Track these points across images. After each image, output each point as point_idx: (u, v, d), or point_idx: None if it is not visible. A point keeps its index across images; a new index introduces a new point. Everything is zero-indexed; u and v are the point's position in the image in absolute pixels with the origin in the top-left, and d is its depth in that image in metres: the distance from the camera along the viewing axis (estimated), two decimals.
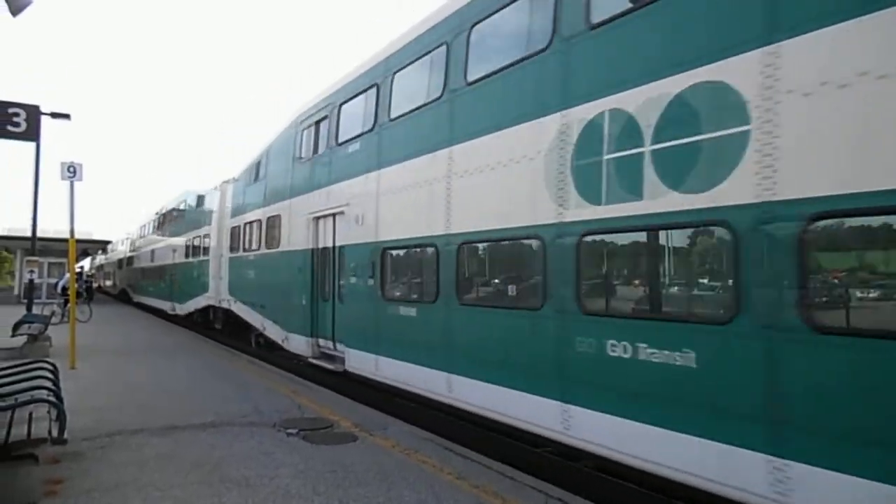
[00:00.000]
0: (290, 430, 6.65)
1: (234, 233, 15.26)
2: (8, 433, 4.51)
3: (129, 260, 37.92)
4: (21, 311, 16.59)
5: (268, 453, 5.80)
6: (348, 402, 8.55)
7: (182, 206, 23.67)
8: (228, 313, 16.01)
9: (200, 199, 20.98)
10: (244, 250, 14.33)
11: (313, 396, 8.77)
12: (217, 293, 16.83)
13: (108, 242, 46.81)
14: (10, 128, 5.62)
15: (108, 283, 54.54)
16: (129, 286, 37.78)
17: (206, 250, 18.59)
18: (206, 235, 18.60)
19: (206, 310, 18.94)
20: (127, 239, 40.49)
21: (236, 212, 15.37)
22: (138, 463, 5.41)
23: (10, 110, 5.62)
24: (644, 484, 5.38)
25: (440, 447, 6.24)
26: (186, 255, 21.34)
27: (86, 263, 55.82)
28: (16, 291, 34.39)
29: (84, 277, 41.56)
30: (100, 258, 60.52)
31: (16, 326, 12.87)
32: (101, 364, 11.34)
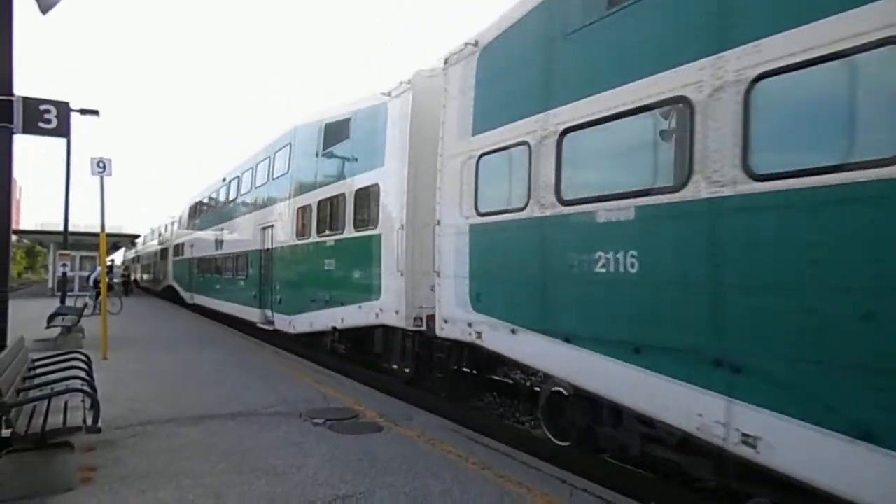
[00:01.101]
0: (316, 420, 6.72)
1: (505, 166, 6.68)
2: (44, 421, 4.64)
3: (178, 248, 29.26)
4: (55, 304, 17.09)
5: (295, 443, 5.88)
6: (373, 392, 8.62)
7: (285, 153, 14.16)
8: (451, 351, 7.97)
9: (337, 129, 11.36)
10: (601, 196, 5.33)
11: (338, 387, 8.86)
12: (411, 303, 8.56)
13: (137, 236, 47.48)
14: (41, 124, 5.73)
15: (148, 276, 45.08)
16: (178, 281, 29.11)
17: (366, 219, 10.05)
18: (369, 189, 9.91)
19: (361, 333, 10.38)
20: (172, 222, 32.19)
21: (508, 114, 6.53)
22: (169, 451, 5.53)
23: (42, 107, 5.73)
24: (668, 475, 5.34)
25: (465, 437, 6.26)
26: (302, 234, 12.74)
27: (117, 257, 55.96)
28: (50, 284, 35.46)
29: (121, 271, 42.41)
30: (136, 247, 53.16)
31: (50, 318, 13.26)
32: (132, 355, 11.59)
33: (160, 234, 37.28)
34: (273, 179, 15.03)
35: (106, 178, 10.91)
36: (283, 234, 13.89)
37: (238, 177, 18.82)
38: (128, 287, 38.02)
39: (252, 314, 15.89)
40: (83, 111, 17.89)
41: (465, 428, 6.68)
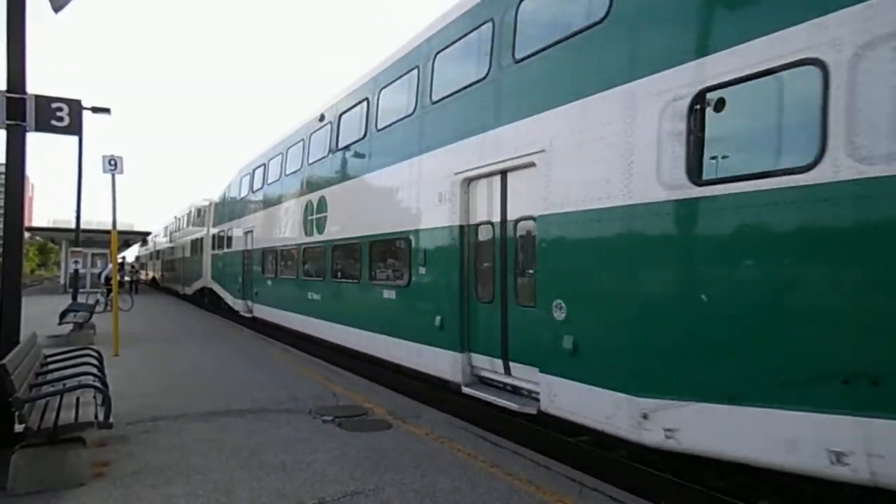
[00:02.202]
0: (325, 417, 6.74)
1: None
2: (57, 417, 4.68)
3: (221, 238, 22.14)
4: (67, 300, 17.25)
5: (304, 439, 5.90)
6: (381, 389, 8.62)
7: None
8: None
9: None
10: None
11: (346, 384, 8.88)
12: None
13: (148, 233, 47.74)
14: (54, 122, 5.78)
15: (170, 274, 38.02)
16: (223, 283, 21.69)
17: None
18: None
19: None
20: (210, 204, 24.80)
21: None
22: (180, 447, 5.57)
23: (54, 105, 5.78)
24: (678, 473, 5.31)
25: (473, 435, 6.25)
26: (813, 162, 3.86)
27: (128, 254, 55.91)
28: (62, 281, 35.81)
29: (128, 269, 42.68)
30: (153, 239, 47.31)
31: (62, 315, 13.38)
32: (143, 351, 11.68)
33: (188, 224, 29.90)
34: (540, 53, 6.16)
35: (117, 176, 10.99)
36: (600, 182, 5.25)
37: (366, 99, 10.33)
38: (135, 286, 38.11)
39: (435, 361, 7.75)
40: (95, 109, 18.08)
41: (473, 426, 6.68)
